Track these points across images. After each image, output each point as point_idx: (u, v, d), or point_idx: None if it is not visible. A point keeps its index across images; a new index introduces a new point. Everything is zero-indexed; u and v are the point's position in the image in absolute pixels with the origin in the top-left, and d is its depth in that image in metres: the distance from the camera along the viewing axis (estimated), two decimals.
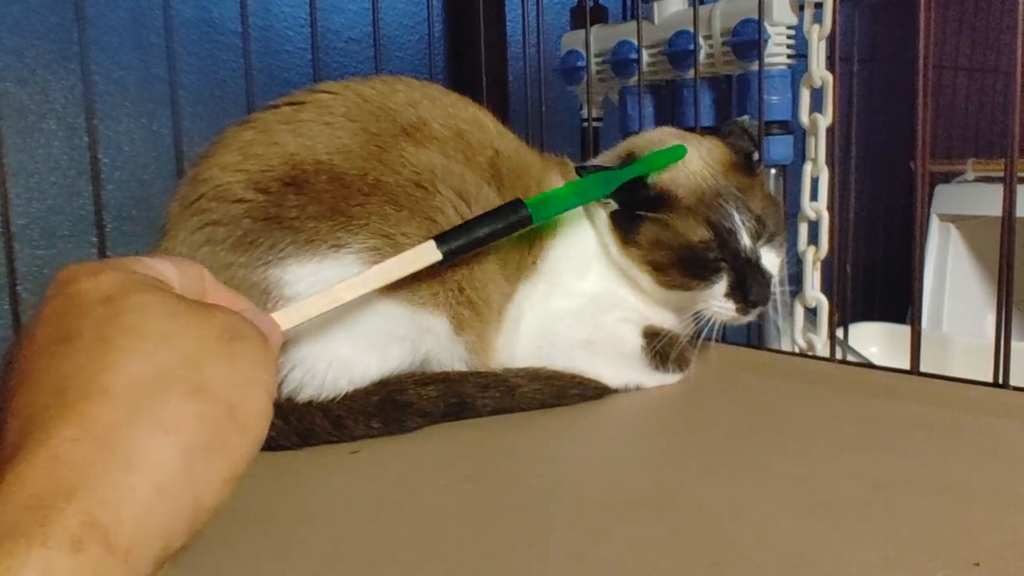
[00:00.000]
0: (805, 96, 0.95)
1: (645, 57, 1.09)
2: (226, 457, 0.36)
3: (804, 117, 0.95)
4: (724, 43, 1.02)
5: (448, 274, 0.67)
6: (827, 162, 0.93)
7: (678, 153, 0.76)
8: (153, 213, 0.94)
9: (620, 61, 1.12)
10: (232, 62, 1.11)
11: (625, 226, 0.76)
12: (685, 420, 0.72)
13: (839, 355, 0.89)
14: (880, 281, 1.64)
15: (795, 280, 0.97)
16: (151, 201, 1.04)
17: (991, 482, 0.55)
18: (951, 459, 0.59)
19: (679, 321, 0.78)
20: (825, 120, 0.93)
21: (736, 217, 0.73)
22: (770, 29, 0.97)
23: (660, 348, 0.76)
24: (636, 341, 0.77)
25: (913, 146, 0.80)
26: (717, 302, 0.74)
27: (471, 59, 1.18)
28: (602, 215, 0.78)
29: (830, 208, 0.94)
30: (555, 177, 0.79)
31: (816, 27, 0.94)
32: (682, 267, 0.74)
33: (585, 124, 1.20)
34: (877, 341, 1.42)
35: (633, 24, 1.06)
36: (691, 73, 1.02)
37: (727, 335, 0.86)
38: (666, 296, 0.77)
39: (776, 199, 0.80)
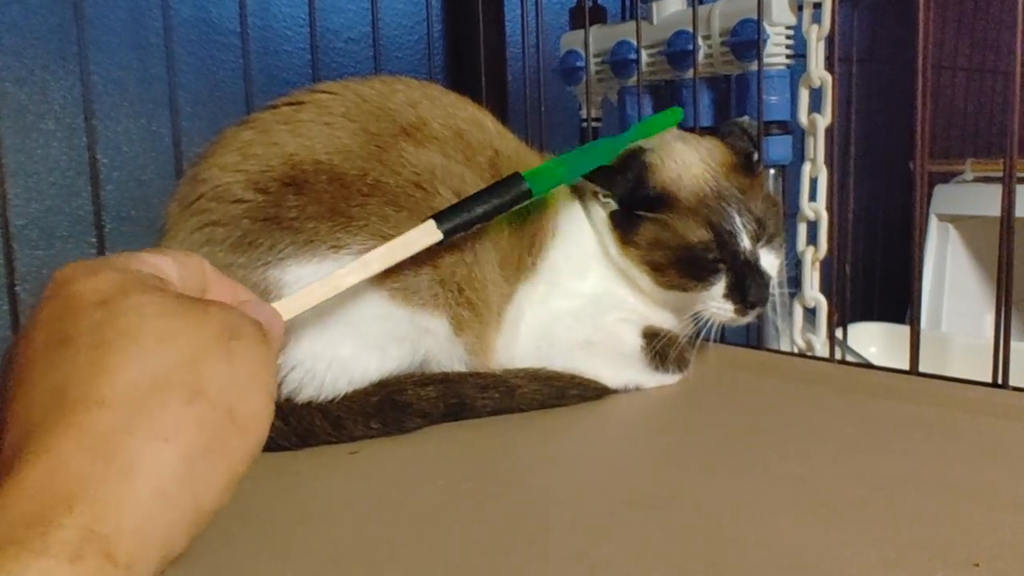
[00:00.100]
0: (804, 96, 0.95)
1: (644, 57, 1.09)
2: (226, 460, 0.36)
3: (803, 117, 0.95)
4: (723, 43, 1.02)
5: (448, 275, 0.67)
6: (826, 162, 0.93)
7: (675, 116, 0.75)
8: (152, 213, 0.94)
9: (619, 61, 1.12)
10: (231, 62, 1.11)
11: (624, 226, 0.76)
12: (685, 420, 0.72)
13: (838, 355, 0.89)
14: (879, 281, 1.64)
15: (794, 283, 0.96)
16: (150, 201, 1.04)
17: (991, 482, 0.55)
18: (951, 459, 0.59)
19: (678, 321, 0.78)
20: (824, 120, 0.92)
21: (737, 219, 0.73)
22: (769, 29, 0.97)
23: (659, 348, 0.76)
24: (635, 341, 0.77)
25: (912, 146, 0.80)
26: (715, 303, 0.74)
27: (470, 59, 1.18)
28: (601, 215, 0.77)
29: (829, 208, 0.94)
30: None
31: (815, 27, 0.94)
32: (680, 268, 0.74)
33: (584, 124, 1.20)
34: (876, 341, 1.42)
35: (632, 24, 1.06)
36: (690, 73, 1.02)
37: (726, 335, 0.86)
38: (665, 296, 0.77)
39: (776, 200, 0.80)
